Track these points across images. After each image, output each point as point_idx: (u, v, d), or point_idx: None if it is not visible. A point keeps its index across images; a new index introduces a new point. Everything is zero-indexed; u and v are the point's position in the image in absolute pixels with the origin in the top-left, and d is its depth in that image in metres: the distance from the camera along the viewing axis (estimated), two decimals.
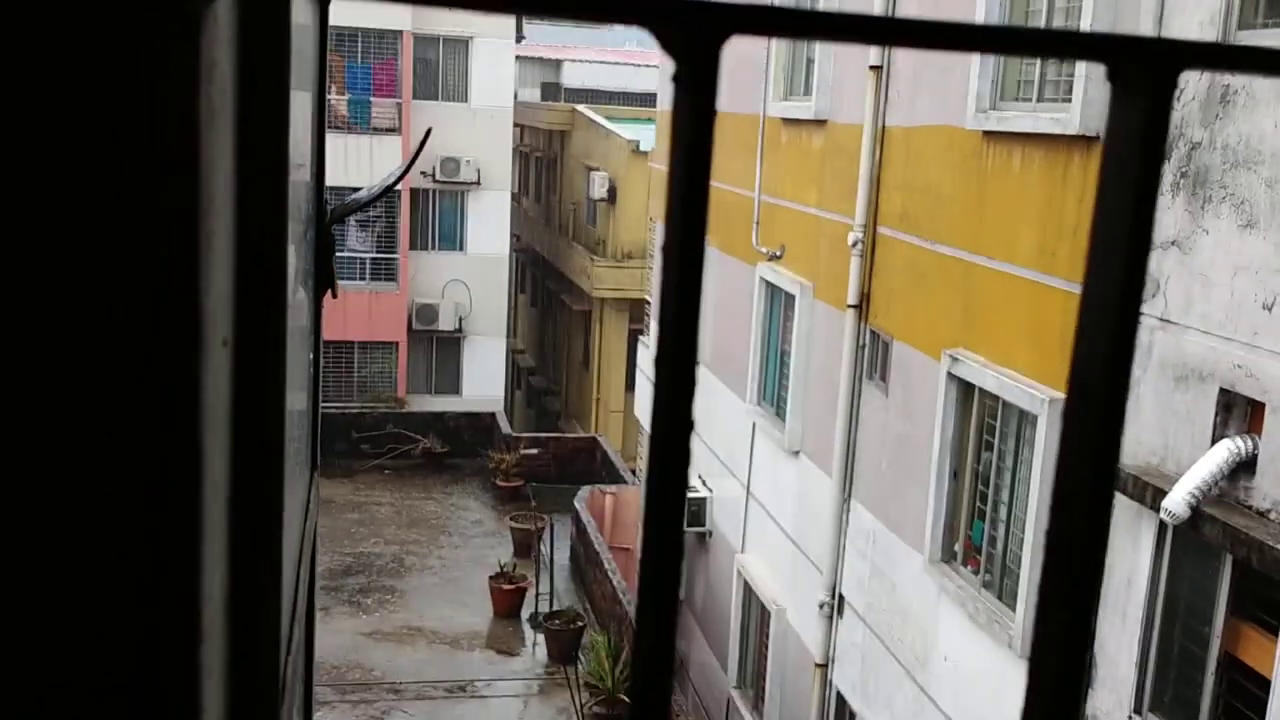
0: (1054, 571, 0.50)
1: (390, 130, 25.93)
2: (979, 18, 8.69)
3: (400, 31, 25.95)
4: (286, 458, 0.92)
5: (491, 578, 18.44)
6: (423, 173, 26.30)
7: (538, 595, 18.15)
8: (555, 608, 17.91)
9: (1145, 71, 0.45)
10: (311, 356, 1.46)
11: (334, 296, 1.61)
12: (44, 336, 0.47)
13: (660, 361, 0.43)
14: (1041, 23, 8.29)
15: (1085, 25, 7.48)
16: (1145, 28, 7.00)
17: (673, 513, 0.47)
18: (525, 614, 18.20)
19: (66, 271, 0.45)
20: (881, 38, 0.43)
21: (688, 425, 0.48)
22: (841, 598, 11.28)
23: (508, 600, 18.19)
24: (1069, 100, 7.78)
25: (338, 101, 25.41)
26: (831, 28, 0.42)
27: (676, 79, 0.44)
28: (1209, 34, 6.55)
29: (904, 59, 10.20)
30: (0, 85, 0.45)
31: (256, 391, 0.69)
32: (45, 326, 0.47)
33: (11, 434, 0.48)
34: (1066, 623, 0.49)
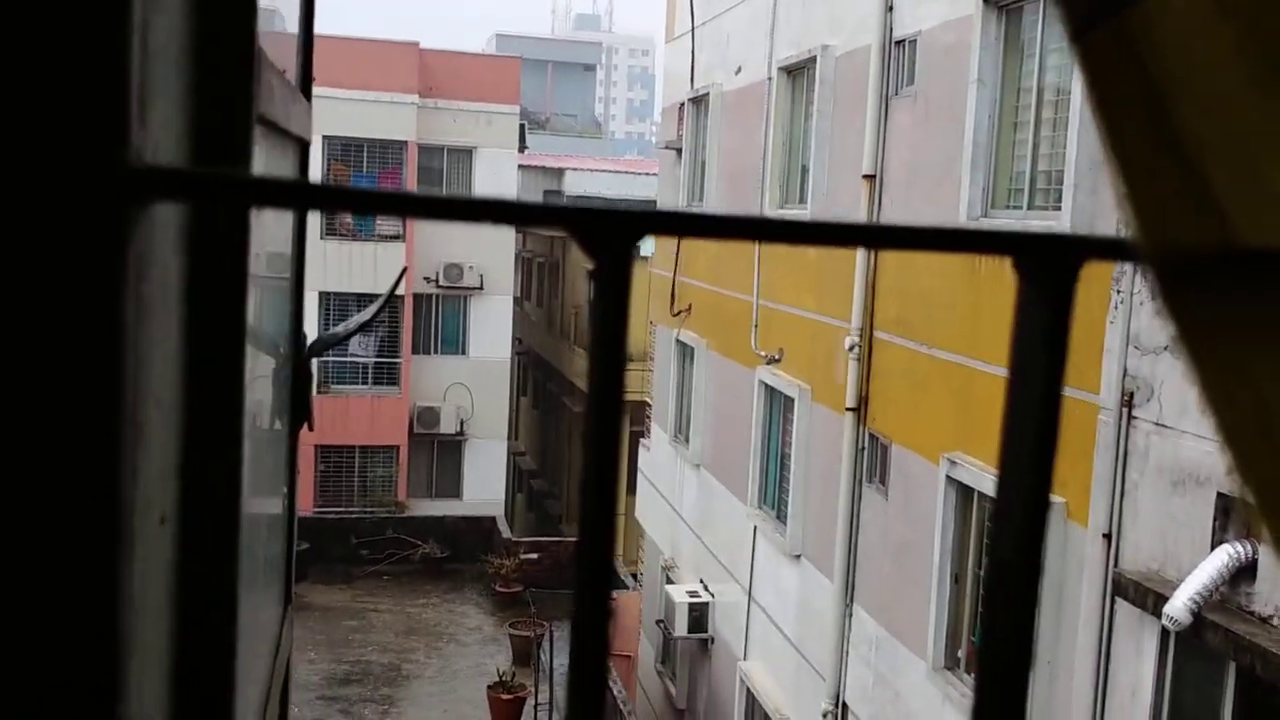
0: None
1: (394, 238, 26.23)
2: (968, 128, 8.86)
3: (405, 142, 26.40)
4: (249, 609, 0.92)
5: (490, 687, 18.13)
6: (426, 278, 26.54)
7: (536, 705, 17.82)
8: (555, 718, 17.56)
9: (1048, 265, 0.46)
10: (286, 490, 1.47)
11: (310, 429, 1.62)
12: None
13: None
14: (1029, 136, 8.44)
15: (1073, 137, 7.61)
16: None
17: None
18: None
19: None
20: (777, 237, 0.44)
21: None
22: (845, 706, 11.07)
23: (506, 710, 17.86)
24: (1059, 209, 7.89)
25: None
26: (734, 229, 0.43)
27: (592, 276, 0.45)
28: None
29: (897, 167, 10.36)
30: None
31: (203, 575, 0.69)
32: None
33: None
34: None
